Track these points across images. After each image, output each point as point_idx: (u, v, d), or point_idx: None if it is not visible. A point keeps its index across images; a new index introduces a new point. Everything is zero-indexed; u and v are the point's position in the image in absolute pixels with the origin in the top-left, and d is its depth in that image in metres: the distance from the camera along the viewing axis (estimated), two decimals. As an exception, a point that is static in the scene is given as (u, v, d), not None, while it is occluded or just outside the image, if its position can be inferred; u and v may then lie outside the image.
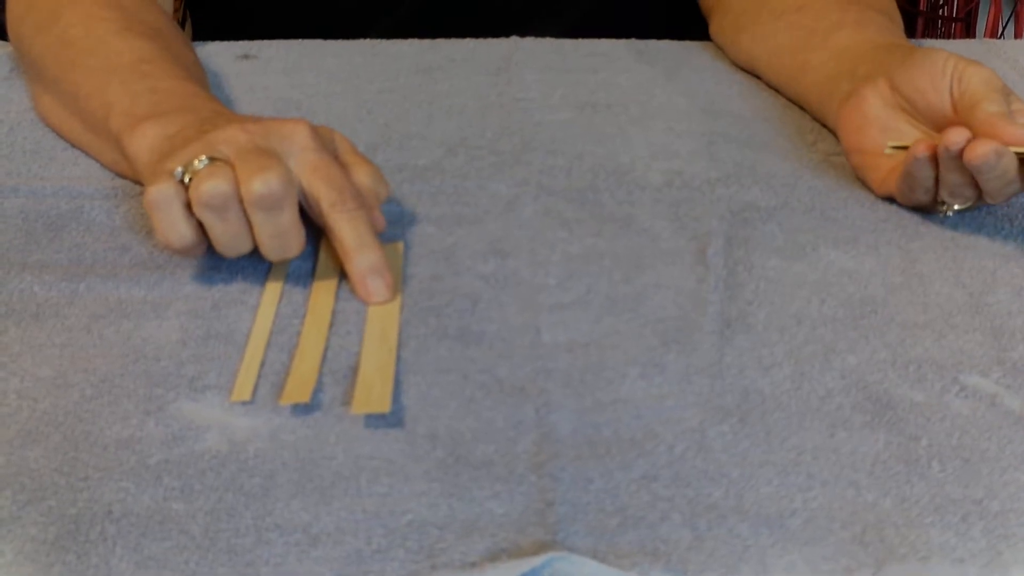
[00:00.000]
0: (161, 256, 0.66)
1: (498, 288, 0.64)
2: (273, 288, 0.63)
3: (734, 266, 0.66)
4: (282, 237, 0.60)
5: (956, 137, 0.64)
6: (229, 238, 0.60)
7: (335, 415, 0.55)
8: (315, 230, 0.65)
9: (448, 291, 0.64)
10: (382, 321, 0.61)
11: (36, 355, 0.59)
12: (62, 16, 0.78)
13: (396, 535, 0.49)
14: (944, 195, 0.68)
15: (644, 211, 0.71)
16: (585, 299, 0.63)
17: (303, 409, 0.55)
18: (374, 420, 0.55)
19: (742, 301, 0.63)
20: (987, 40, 1.18)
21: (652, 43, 0.94)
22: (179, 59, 0.76)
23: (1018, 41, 1.18)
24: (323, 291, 0.63)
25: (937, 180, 0.67)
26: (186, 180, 0.60)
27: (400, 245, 0.67)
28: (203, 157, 0.60)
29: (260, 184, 0.59)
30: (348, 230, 0.62)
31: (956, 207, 0.69)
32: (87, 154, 0.76)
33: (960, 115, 0.67)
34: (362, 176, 0.65)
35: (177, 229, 0.60)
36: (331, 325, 0.61)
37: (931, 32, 1.47)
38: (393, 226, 0.68)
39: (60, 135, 0.78)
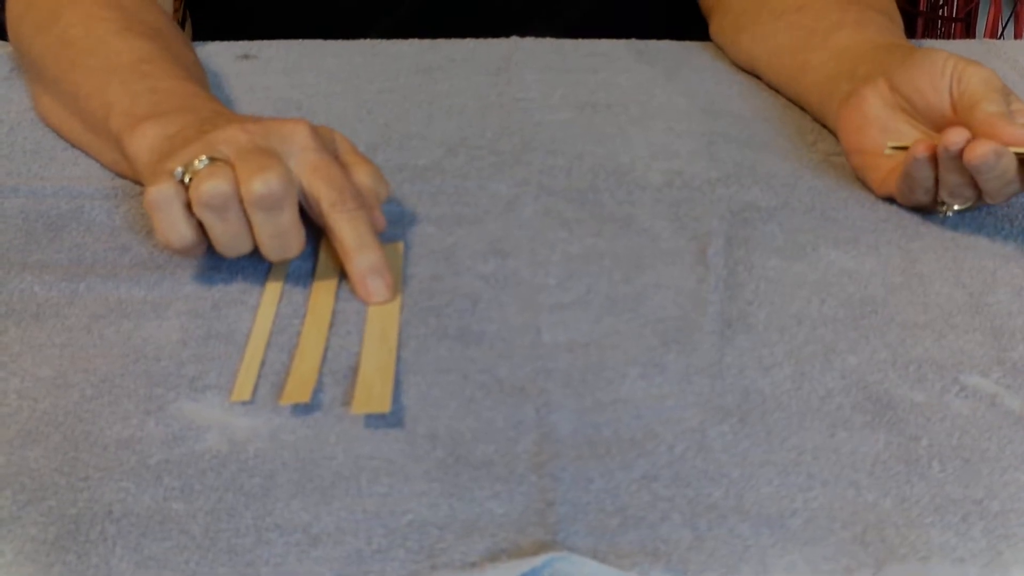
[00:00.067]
0: (161, 256, 0.66)
1: (498, 288, 0.64)
2: (273, 288, 0.63)
3: (734, 266, 0.66)
4: (282, 237, 0.60)
5: (955, 137, 0.64)
6: (229, 238, 0.60)
7: (335, 415, 0.55)
8: (315, 230, 0.65)
9: (448, 291, 0.64)
10: (382, 321, 0.61)
11: (36, 355, 0.59)
12: (62, 16, 0.78)
13: (396, 535, 0.49)
14: (944, 195, 0.68)
15: (644, 211, 0.71)
16: (585, 299, 0.63)
17: (303, 409, 0.55)
18: (374, 420, 0.55)
19: (742, 301, 0.63)
20: (987, 40, 1.18)
21: (652, 43, 0.94)
22: (179, 59, 0.76)
23: (1018, 41, 1.18)
24: (323, 291, 0.63)
25: (937, 180, 0.67)
26: (186, 180, 0.60)
27: (400, 245, 0.67)
28: (203, 157, 0.60)
29: (260, 184, 0.59)
30: (348, 230, 0.62)
31: (956, 207, 0.69)
32: (87, 154, 0.76)
33: (960, 115, 0.67)
34: (362, 176, 0.65)
35: (177, 229, 0.60)
36: (331, 325, 0.61)
37: (931, 32, 1.47)
38: (393, 226, 0.68)
39: (60, 135, 0.78)
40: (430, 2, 1.00)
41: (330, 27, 0.96)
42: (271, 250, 0.61)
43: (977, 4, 1.46)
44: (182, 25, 1.07)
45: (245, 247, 0.61)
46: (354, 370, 0.58)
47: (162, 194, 0.60)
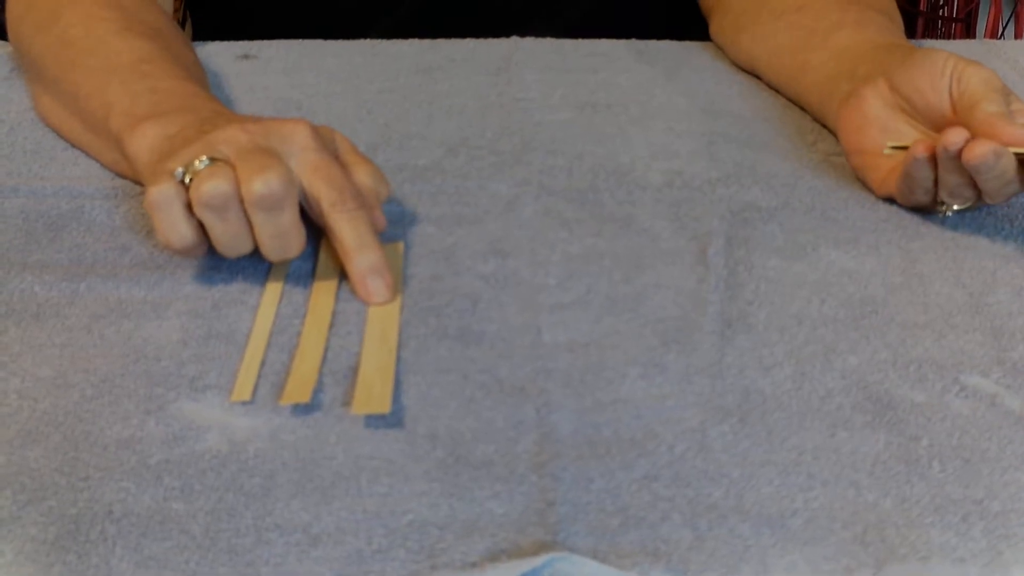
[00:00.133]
0: (161, 256, 0.66)
1: (498, 288, 0.64)
2: (273, 288, 0.63)
3: (734, 266, 0.66)
4: (282, 237, 0.60)
5: (955, 137, 0.64)
6: (230, 238, 0.60)
7: (335, 415, 0.55)
8: (315, 230, 0.65)
9: (448, 291, 0.64)
10: (382, 321, 0.61)
11: (36, 355, 0.59)
12: (62, 16, 0.78)
13: (396, 535, 0.49)
14: (943, 195, 0.68)
15: (644, 211, 0.71)
16: (585, 299, 0.63)
17: (303, 409, 0.55)
18: (374, 420, 0.55)
19: (742, 301, 0.63)
20: (987, 40, 1.18)
21: (652, 43, 0.94)
22: (179, 59, 0.76)
23: (1018, 41, 1.18)
24: (323, 291, 0.63)
25: (936, 180, 0.67)
26: (187, 180, 0.60)
27: (400, 245, 0.67)
28: (203, 157, 0.60)
29: (260, 184, 0.59)
30: (348, 230, 0.62)
31: (956, 207, 0.69)
32: (87, 154, 0.76)
33: (959, 115, 0.67)
34: (363, 175, 0.65)
35: (178, 230, 0.60)
36: (331, 325, 0.61)
37: (931, 32, 1.47)
38: (393, 226, 0.68)
39: (60, 135, 0.78)
40: (430, 2, 1.00)
41: (330, 27, 0.96)
42: (271, 250, 0.61)
43: (977, 4, 1.46)
44: (182, 25, 1.07)
45: (246, 247, 0.61)
46: (354, 370, 0.58)
47: (162, 194, 0.60)
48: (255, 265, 0.65)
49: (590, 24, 0.99)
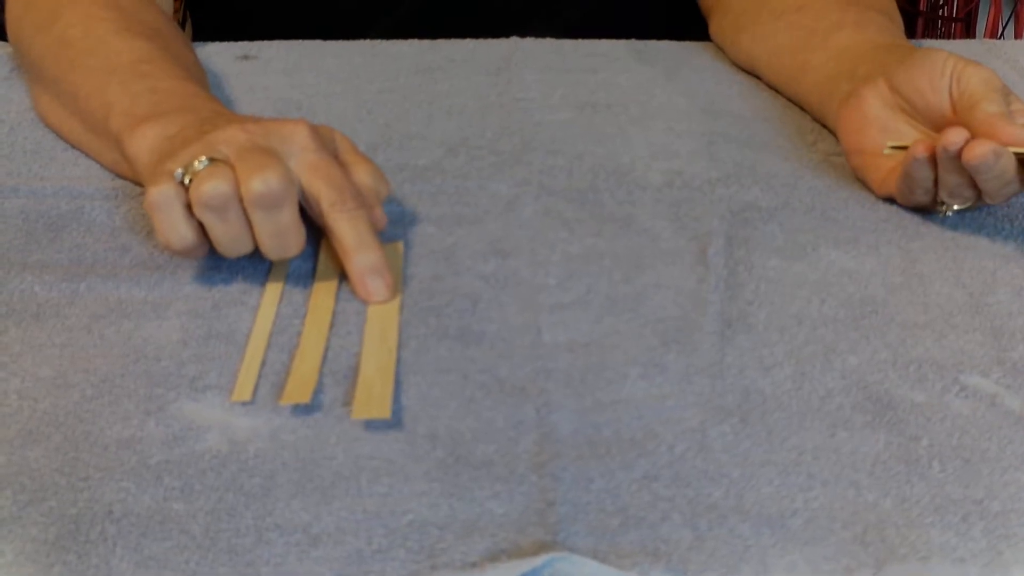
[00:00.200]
0: (161, 256, 0.66)
1: (498, 288, 0.64)
2: (273, 288, 0.63)
3: (734, 266, 0.66)
4: (282, 236, 0.60)
5: (955, 137, 0.64)
6: (230, 239, 0.60)
7: (335, 415, 0.55)
8: (315, 231, 0.65)
9: (448, 291, 0.64)
10: (382, 322, 0.61)
11: (36, 355, 0.59)
12: (61, 16, 0.78)
13: (396, 535, 0.49)
14: (943, 195, 0.68)
15: (644, 211, 0.71)
16: (585, 299, 0.63)
17: (303, 409, 0.55)
18: (374, 420, 0.55)
19: (742, 301, 0.63)
20: (987, 40, 1.19)
21: (652, 43, 0.94)
22: (179, 59, 0.76)
23: (1018, 41, 1.18)
24: (323, 291, 0.63)
25: (936, 180, 0.67)
26: (186, 181, 0.60)
27: (400, 245, 0.67)
28: (203, 158, 0.60)
29: (259, 183, 0.59)
30: (348, 229, 0.62)
31: (956, 207, 0.69)
32: (87, 155, 0.76)
33: (959, 115, 0.67)
34: (362, 175, 0.65)
35: (178, 230, 0.60)
36: (331, 326, 0.61)
37: (931, 32, 1.47)
38: (393, 226, 0.68)
39: (60, 135, 0.78)
40: (430, 2, 1.00)
41: (330, 27, 0.96)
42: (271, 249, 0.61)
43: (977, 4, 1.46)
44: (182, 25, 1.07)
45: (246, 247, 0.61)
46: (354, 370, 0.58)
47: (162, 195, 0.60)
48: (255, 265, 0.65)
49: (590, 24, 0.99)
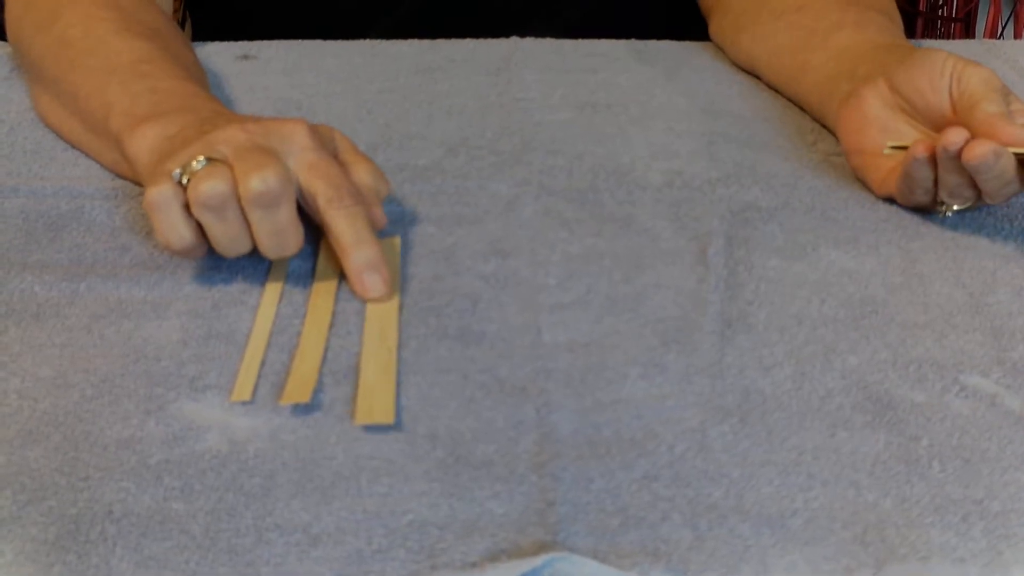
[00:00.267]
0: (161, 256, 0.66)
1: (498, 288, 0.64)
2: (273, 288, 0.63)
3: (734, 266, 0.66)
4: (280, 235, 0.60)
5: (954, 137, 0.64)
6: (228, 238, 0.60)
7: (335, 415, 0.55)
8: (315, 230, 0.65)
9: (448, 291, 0.64)
10: (381, 324, 0.61)
11: (36, 355, 0.59)
12: (61, 16, 0.78)
13: (396, 535, 0.49)
14: (943, 195, 0.68)
15: (644, 211, 0.71)
16: (585, 299, 0.63)
17: (303, 409, 0.55)
18: (374, 420, 0.55)
19: (742, 301, 0.63)
20: (987, 40, 1.19)
21: (652, 43, 0.94)
22: (179, 59, 0.76)
23: (1018, 41, 1.18)
24: (323, 291, 0.63)
25: (936, 180, 0.67)
26: (184, 181, 0.60)
27: (396, 240, 0.67)
28: (201, 158, 0.60)
29: (258, 181, 0.59)
30: (345, 226, 0.62)
31: (956, 207, 0.69)
32: (87, 155, 0.76)
33: (959, 115, 0.67)
34: (362, 174, 0.65)
35: (177, 230, 0.60)
36: (331, 325, 0.61)
37: (931, 32, 1.47)
38: (393, 226, 0.68)
39: (60, 135, 0.78)
40: (430, 2, 1.00)
41: (330, 27, 0.96)
42: (269, 248, 0.61)
43: (977, 4, 1.46)
44: (182, 25, 1.07)
45: (244, 247, 0.61)
46: (354, 370, 0.58)
47: (161, 195, 0.60)
48: (255, 265, 0.65)
49: (590, 24, 0.99)
